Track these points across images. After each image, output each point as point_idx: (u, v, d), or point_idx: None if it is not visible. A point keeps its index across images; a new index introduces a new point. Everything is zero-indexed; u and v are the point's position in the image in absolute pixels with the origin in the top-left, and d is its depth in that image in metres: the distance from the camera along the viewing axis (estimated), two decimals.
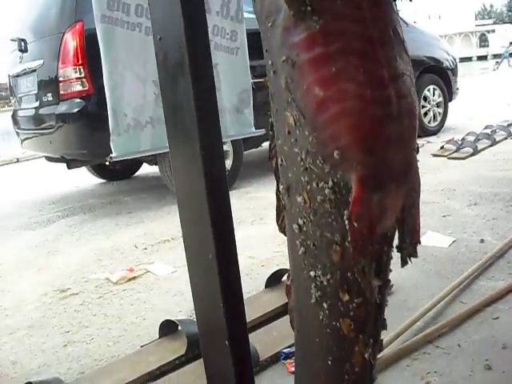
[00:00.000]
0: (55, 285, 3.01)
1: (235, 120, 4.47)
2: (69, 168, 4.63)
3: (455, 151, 5.31)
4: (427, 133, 6.56)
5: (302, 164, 0.58)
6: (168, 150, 4.16)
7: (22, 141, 5.23)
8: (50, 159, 5.19)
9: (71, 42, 4.14)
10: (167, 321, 2.17)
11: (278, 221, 0.74)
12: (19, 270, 3.39)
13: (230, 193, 4.27)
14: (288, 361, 1.96)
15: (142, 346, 2.15)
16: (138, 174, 6.37)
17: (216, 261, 0.75)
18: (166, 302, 2.59)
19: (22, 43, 4.74)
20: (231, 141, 4.64)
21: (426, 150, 5.78)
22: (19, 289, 3.04)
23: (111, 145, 3.90)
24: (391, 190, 0.54)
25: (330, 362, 0.64)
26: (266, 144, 5.78)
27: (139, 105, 3.99)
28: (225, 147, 4.64)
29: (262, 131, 4.56)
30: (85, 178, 6.30)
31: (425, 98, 6.50)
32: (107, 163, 5.92)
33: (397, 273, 2.47)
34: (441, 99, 6.67)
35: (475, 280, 2.44)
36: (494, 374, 1.74)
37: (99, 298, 2.74)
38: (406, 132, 0.54)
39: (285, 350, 2.00)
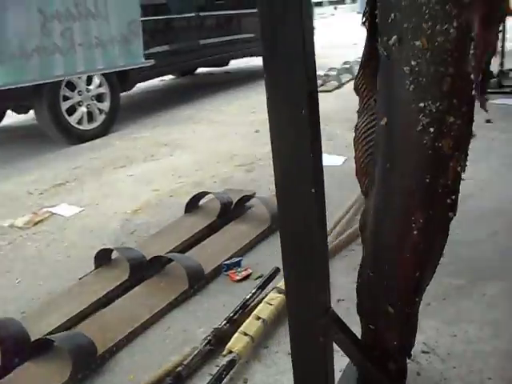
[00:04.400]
0: None
1: (125, 50, 4.35)
2: None
3: (322, 85, 5.65)
4: None
5: (426, 12, 0.71)
6: (55, 79, 4.00)
7: None
8: None
9: None
10: (102, 250, 2.18)
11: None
12: None
13: (112, 135, 4.24)
14: (230, 271, 2.09)
15: (80, 278, 2.14)
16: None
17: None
18: (86, 238, 2.57)
19: None
20: (108, 82, 4.52)
21: None
22: None
23: None
24: (496, 29, 0.70)
25: (427, 180, 0.80)
26: (140, 85, 5.69)
27: (24, 33, 3.75)
28: (101, 89, 4.53)
29: (151, 62, 4.52)
30: None
31: None
32: None
33: None
34: None
35: None
36: None
37: (10, 245, 2.63)
38: None
39: (226, 263, 2.13)
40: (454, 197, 0.83)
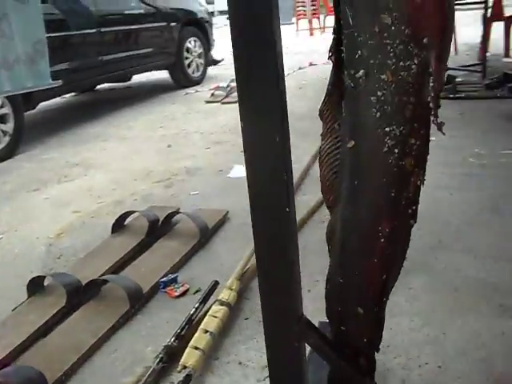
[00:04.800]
0: None
1: (32, 71, 4.18)
2: None
3: (226, 96, 5.77)
4: (192, 82, 6.96)
5: (391, 50, 0.82)
6: None
7: None
8: None
9: None
10: (35, 277, 2.13)
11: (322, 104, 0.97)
12: None
13: (19, 157, 4.08)
14: (168, 288, 2.12)
15: (13, 310, 2.08)
16: None
17: None
18: (10, 267, 2.49)
19: None
20: (11, 103, 4.35)
21: (198, 98, 6.15)
22: None
23: None
24: (446, 65, 0.83)
25: (393, 194, 0.91)
26: (43, 104, 5.50)
27: None
28: (4, 110, 4.35)
29: (59, 82, 4.39)
30: None
31: (188, 50, 6.82)
32: None
33: (226, 203, 2.73)
34: (201, 50, 7.08)
35: (295, 196, 2.85)
36: None
37: None
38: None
39: (162, 280, 2.15)
40: (414, 207, 0.95)
